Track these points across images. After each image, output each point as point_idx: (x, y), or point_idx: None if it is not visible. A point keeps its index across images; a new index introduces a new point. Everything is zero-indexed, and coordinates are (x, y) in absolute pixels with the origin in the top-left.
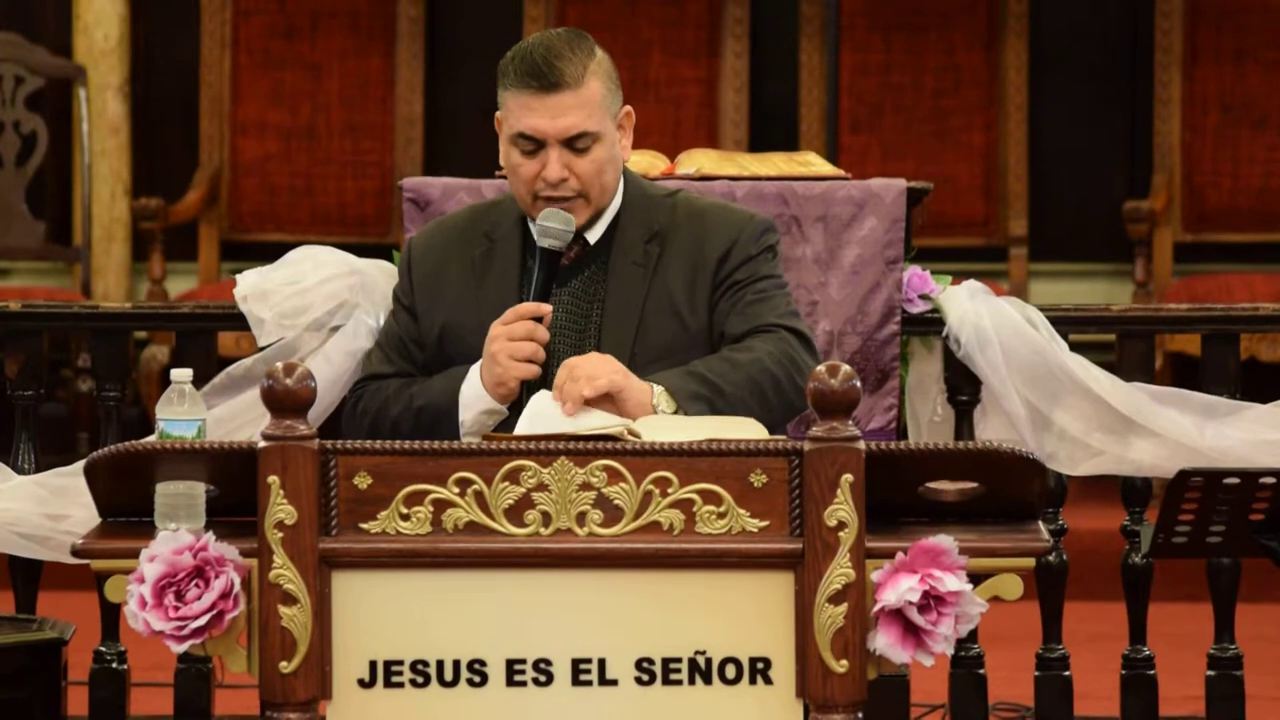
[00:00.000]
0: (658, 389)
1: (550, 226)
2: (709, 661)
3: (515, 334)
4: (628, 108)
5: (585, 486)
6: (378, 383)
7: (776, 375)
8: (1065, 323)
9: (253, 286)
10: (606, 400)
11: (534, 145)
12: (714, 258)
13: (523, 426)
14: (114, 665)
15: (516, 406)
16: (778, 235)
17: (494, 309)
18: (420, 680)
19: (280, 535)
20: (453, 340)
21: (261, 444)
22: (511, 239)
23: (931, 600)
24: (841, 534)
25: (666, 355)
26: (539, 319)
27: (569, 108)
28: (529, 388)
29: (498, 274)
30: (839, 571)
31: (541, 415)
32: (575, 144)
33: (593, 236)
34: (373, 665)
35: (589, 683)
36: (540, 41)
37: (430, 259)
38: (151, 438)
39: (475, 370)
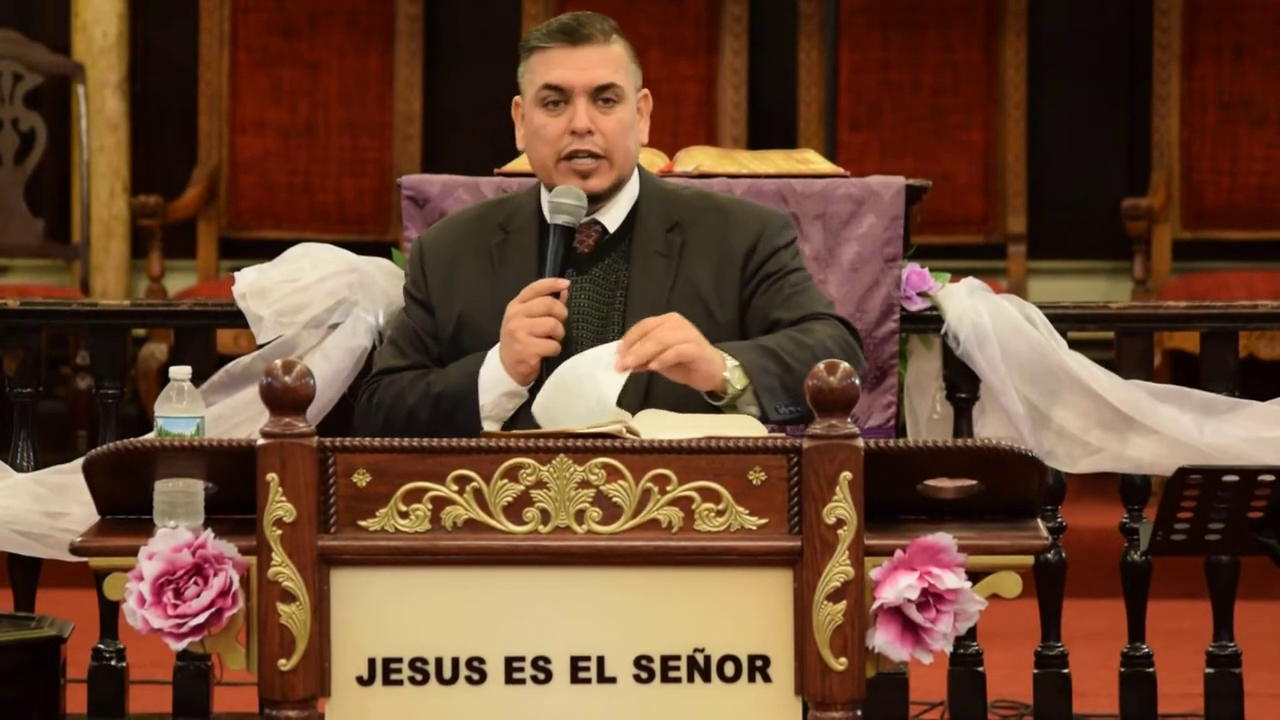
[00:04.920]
0: (730, 361)
1: (563, 203)
2: (708, 659)
3: (533, 310)
4: (646, 91)
5: (584, 484)
6: (391, 376)
7: (837, 357)
8: (1064, 320)
9: (251, 284)
10: (678, 369)
11: (560, 96)
12: (740, 251)
13: (545, 394)
14: (113, 663)
15: (536, 388)
16: (794, 231)
17: (511, 296)
18: (419, 678)
19: (279, 533)
20: (470, 329)
21: (260, 441)
22: (529, 229)
23: (930, 598)
24: (840, 531)
25: None
26: (556, 295)
27: (597, 61)
28: (549, 365)
29: (515, 263)
30: (838, 569)
31: (568, 382)
32: (602, 95)
33: (611, 224)
34: (371, 663)
35: (588, 680)
36: (565, 14)
37: (444, 253)
38: (150, 435)
39: (494, 353)
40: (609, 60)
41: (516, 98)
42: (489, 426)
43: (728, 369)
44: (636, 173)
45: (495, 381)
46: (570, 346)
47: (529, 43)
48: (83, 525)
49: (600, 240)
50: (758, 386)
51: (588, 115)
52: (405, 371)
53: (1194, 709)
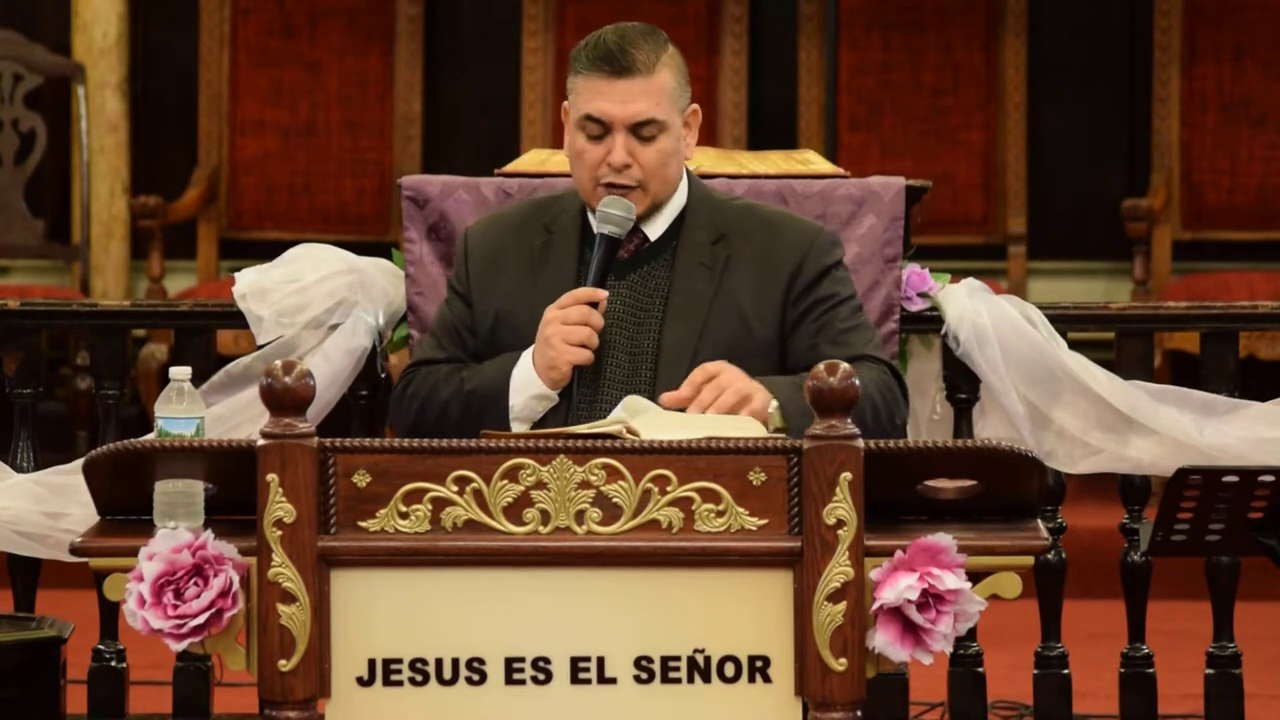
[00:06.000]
0: (774, 404)
1: (611, 213)
2: (708, 660)
3: (570, 318)
4: (695, 106)
5: (584, 485)
6: (428, 368)
7: (877, 405)
8: (1064, 321)
9: (251, 284)
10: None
11: (600, 129)
12: (786, 269)
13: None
14: (113, 663)
15: (567, 393)
16: (842, 249)
17: (549, 299)
18: (419, 678)
19: (279, 533)
20: (506, 328)
21: (260, 442)
22: (571, 232)
23: (930, 598)
24: (840, 532)
25: (727, 357)
26: (594, 305)
27: (639, 94)
28: (580, 373)
29: (555, 265)
30: (838, 570)
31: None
32: (641, 131)
33: (653, 232)
34: (371, 664)
35: (588, 681)
36: (615, 30)
37: (487, 248)
38: (150, 436)
39: (528, 355)
40: (651, 93)
41: (565, 103)
42: (517, 427)
43: (771, 407)
44: (685, 180)
45: (526, 383)
46: (603, 351)
47: (576, 63)
48: (83, 526)
49: (641, 247)
50: (791, 427)
51: (625, 149)
52: (441, 364)
53: (1194, 710)
